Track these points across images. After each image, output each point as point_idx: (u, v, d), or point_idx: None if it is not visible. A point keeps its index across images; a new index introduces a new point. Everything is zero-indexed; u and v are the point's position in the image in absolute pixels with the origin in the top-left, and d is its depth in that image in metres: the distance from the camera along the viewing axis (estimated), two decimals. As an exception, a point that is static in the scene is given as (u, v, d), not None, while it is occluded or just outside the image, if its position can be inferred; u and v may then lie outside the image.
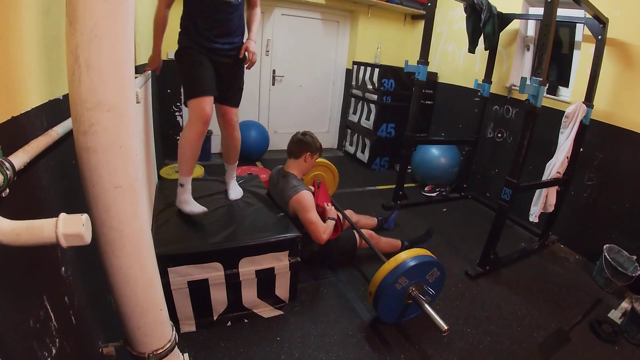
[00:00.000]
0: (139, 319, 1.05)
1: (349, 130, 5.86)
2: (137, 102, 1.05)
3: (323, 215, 2.63)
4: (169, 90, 4.62)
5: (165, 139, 4.80)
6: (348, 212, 3.10)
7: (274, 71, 5.44)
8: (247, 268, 2.20)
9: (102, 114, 0.83)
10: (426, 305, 2.17)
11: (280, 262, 2.28)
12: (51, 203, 1.03)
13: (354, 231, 2.85)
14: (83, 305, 1.22)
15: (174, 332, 1.22)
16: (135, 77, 1.98)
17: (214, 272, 2.13)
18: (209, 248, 2.11)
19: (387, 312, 2.29)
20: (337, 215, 2.69)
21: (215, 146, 5.38)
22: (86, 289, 1.26)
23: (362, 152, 5.53)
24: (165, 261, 1.99)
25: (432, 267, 2.25)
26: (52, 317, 0.98)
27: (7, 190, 0.73)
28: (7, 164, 0.71)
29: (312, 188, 2.83)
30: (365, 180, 4.91)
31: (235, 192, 2.77)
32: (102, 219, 0.90)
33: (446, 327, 2.03)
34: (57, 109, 1.09)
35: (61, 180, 1.11)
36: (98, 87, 0.82)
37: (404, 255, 2.24)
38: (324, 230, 2.47)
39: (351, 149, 5.81)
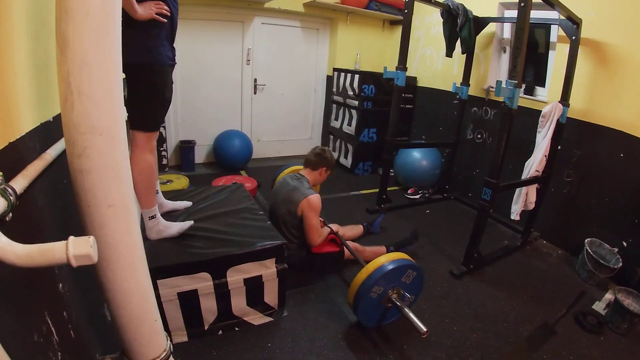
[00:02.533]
0: (134, 330, 1.09)
1: (332, 137, 5.91)
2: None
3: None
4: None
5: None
6: (334, 227, 3.16)
7: (255, 80, 5.47)
8: (235, 277, 2.22)
9: (94, 137, 0.86)
10: (405, 309, 2.20)
11: (267, 270, 2.31)
12: (47, 223, 1.06)
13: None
14: (80, 319, 1.25)
15: (169, 341, 1.26)
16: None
17: (202, 283, 2.14)
18: (196, 259, 2.12)
19: (367, 317, 2.33)
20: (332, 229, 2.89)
21: (199, 156, 5.41)
22: (82, 304, 1.29)
23: (345, 157, 5.60)
24: (154, 273, 1.96)
25: (406, 269, 2.27)
26: (54, 331, 1.01)
27: (11, 214, 0.77)
28: (9, 190, 0.75)
29: None
30: (349, 186, 4.97)
31: (179, 203, 2.74)
32: (97, 236, 0.93)
33: (425, 330, 2.05)
34: (48, 131, 1.12)
35: (55, 200, 1.14)
36: (90, 113, 0.86)
37: (376, 263, 2.25)
38: (319, 235, 2.67)
39: (335, 155, 5.84)
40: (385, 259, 2.26)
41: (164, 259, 2.09)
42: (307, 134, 6.29)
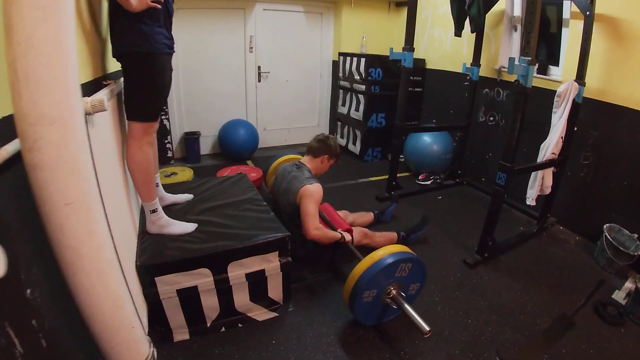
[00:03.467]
0: (110, 339, 1.00)
1: (339, 123, 5.78)
2: (88, 113, 0.98)
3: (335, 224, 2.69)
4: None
5: (153, 143, 4.71)
6: (343, 213, 3.06)
7: (259, 67, 5.35)
8: (237, 272, 2.14)
9: (44, 128, 0.77)
10: (405, 306, 2.06)
11: (270, 264, 2.22)
12: (9, 224, 0.96)
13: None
14: (56, 326, 1.15)
15: (152, 348, 1.17)
16: (106, 84, 1.92)
17: (202, 279, 2.07)
18: (194, 254, 2.04)
19: (366, 317, 2.20)
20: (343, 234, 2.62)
21: (205, 147, 5.33)
22: (60, 309, 1.19)
23: (354, 144, 5.46)
24: (151, 271, 1.96)
25: (398, 265, 2.08)
26: (17, 343, 0.91)
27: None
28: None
29: None
30: (358, 173, 4.84)
31: (179, 196, 2.68)
32: (57, 239, 0.84)
33: (427, 329, 1.91)
34: (10, 127, 1.01)
35: (17, 200, 1.04)
36: (38, 100, 0.75)
37: (360, 268, 2.09)
38: (316, 226, 2.43)
39: (342, 142, 5.73)
40: (370, 261, 2.09)
41: (161, 256, 2.02)
42: (314, 121, 6.16)
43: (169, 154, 4.94)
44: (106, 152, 1.74)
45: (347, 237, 2.61)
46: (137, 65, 1.84)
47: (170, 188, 2.90)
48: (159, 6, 1.79)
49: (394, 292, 2.12)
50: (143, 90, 1.90)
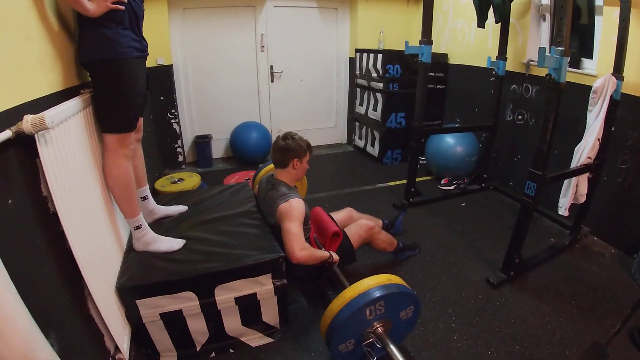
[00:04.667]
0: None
1: (357, 123, 5.52)
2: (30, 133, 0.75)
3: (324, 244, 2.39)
4: (162, 98, 4.42)
5: (163, 147, 4.61)
6: (347, 211, 2.81)
7: (271, 67, 5.15)
8: (225, 296, 1.95)
9: None
10: (391, 347, 1.74)
11: (263, 287, 2.00)
12: None
13: (346, 233, 2.51)
14: None
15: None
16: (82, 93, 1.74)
17: (187, 303, 1.89)
18: (177, 277, 1.86)
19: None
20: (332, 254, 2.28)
21: (217, 151, 5.19)
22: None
23: (372, 145, 5.18)
24: (132, 293, 1.81)
25: (367, 307, 1.74)
26: None
27: None
28: None
29: None
30: (375, 177, 4.56)
31: (172, 208, 2.52)
32: None
33: None
34: None
35: None
36: None
37: (328, 315, 1.78)
38: (301, 247, 2.06)
39: (361, 143, 5.47)
40: (341, 301, 1.75)
41: (143, 277, 1.86)
42: (331, 121, 5.91)
43: (180, 159, 4.81)
44: (75, 168, 1.56)
45: (335, 257, 2.27)
46: (104, 72, 1.69)
47: (168, 197, 2.79)
48: (122, 7, 1.63)
49: (379, 329, 1.81)
50: (113, 99, 1.75)
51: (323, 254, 2.20)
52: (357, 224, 2.57)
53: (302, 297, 2.46)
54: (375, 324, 1.79)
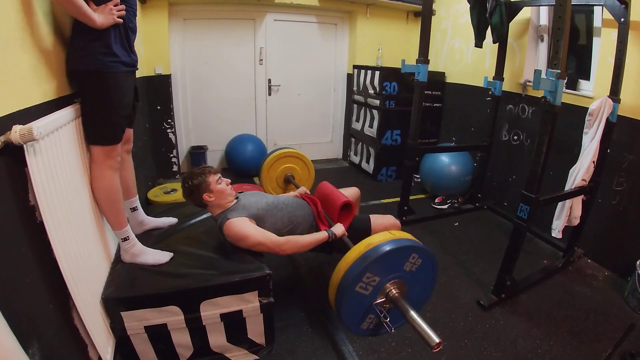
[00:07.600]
0: None
1: (353, 139, 5.52)
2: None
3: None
4: (159, 107, 4.41)
5: (158, 156, 4.59)
6: (355, 189, 2.84)
7: (269, 80, 5.16)
8: (210, 312, 1.91)
9: None
10: (411, 313, 1.69)
11: (249, 304, 1.96)
12: None
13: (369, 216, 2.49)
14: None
15: None
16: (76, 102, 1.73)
17: (172, 317, 1.86)
18: (163, 291, 1.83)
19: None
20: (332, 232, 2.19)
21: (212, 162, 5.18)
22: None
23: (367, 162, 5.17)
24: (117, 305, 1.79)
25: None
26: None
27: None
28: None
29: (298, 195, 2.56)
30: (370, 194, 4.52)
31: (162, 220, 2.48)
32: None
33: (437, 341, 1.55)
34: None
35: None
36: None
37: (367, 243, 1.76)
38: (278, 244, 2.02)
39: (356, 159, 5.46)
40: (382, 238, 1.77)
41: (128, 289, 1.83)
42: (327, 137, 5.91)
43: (175, 168, 4.78)
44: (64, 178, 1.53)
45: (339, 230, 2.17)
46: (89, 84, 1.68)
47: (160, 208, 2.78)
48: (120, 20, 1.66)
49: (394, 292, 1.77)
50: (98, 111, 1.73)
51: (317, 237, 2.13)
52: (387, 217, 2.51)
53: (288, 315, 2.40)
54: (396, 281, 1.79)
